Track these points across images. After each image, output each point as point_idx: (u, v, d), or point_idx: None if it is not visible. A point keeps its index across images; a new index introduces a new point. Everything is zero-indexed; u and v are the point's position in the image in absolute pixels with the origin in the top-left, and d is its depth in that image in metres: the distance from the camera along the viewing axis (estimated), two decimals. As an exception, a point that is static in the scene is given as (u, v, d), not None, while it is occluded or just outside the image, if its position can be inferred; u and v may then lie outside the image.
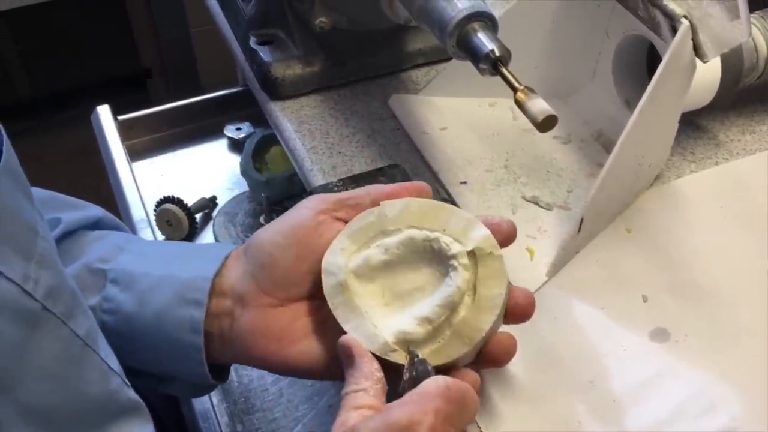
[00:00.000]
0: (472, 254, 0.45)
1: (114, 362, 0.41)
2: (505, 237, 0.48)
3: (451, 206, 0.48)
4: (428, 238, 0.46)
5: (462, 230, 0.46)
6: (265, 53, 0.72)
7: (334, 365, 0.45)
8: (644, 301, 0.56)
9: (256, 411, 0.68)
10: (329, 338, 0.47)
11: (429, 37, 0.74)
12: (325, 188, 0.62)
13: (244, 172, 0.89)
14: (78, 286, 0.48)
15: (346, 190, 0.62)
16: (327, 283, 0.46)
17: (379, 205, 0.48)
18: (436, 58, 0.76)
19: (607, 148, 0.67)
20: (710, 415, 0.49)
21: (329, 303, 0.46)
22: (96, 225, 0.54)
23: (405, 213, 0.47)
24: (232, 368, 0.74)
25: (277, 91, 0.72)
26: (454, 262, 0.45)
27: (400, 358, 0.44)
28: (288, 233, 0.47)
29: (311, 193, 0.62)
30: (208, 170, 0.96)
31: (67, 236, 0.52)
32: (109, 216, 0.56)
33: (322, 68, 0.72)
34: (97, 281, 0.49)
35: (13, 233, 0.34)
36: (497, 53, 0.52)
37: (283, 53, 0.72)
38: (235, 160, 0.95)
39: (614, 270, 0.58)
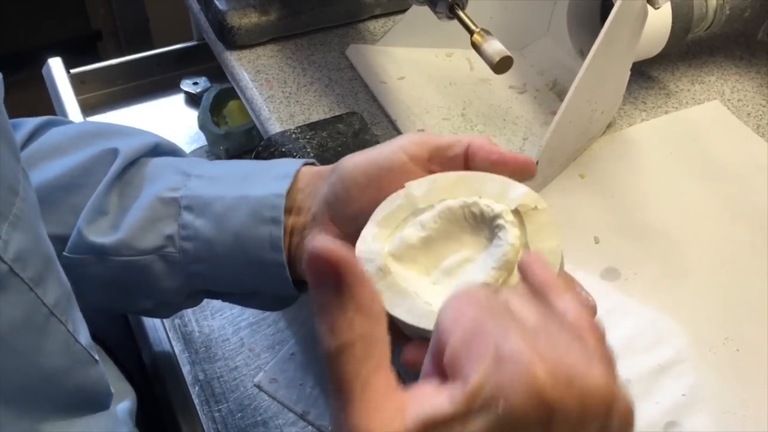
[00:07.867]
0: (516, 213, 0.41)
1: (84, 336, 0.38)
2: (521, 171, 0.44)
3: (481, 173, 0.43)
4: (466, 204, 0.42)
5: (500, 192, 0.42)
6: (220, 2, 0.71)
7: None
8: (596, 243, 0.57)
9: (218, 360, 0.68)
10: None
11: (386, -12, 0.74)
12: (283, 135, 0.62)
13: (203, 126, 0.88)
14: (152, 217, 0.48)
15: (305, 137, 0.62)
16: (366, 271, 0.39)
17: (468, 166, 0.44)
18: (393, 9, 0.76)
19: (562, 97, 0.68)
20: (657, 347, 0.52)
21: None
22: (154, 151, 0.52)
23: (434, 189, 0.43)
24: (193, 318, 0.74)
25: (233, 40, 0.71)
26: (500, 222, 0.41)
27: None
28: (371, 173, 0.44)
29: (269, 141, 0.62)
30: (166, 125, 0.94)
31: (128, 167, 0.50)
32: (166, 141, 0.54)
33: (278, 17, 0.71)
34: (171, 210, 0.48)
35: None
36: (454, -4, 0.52)
37: (239, 2, 0.71)
38: (192, 115, 0.93)
39: (568, 213, 0.59)
